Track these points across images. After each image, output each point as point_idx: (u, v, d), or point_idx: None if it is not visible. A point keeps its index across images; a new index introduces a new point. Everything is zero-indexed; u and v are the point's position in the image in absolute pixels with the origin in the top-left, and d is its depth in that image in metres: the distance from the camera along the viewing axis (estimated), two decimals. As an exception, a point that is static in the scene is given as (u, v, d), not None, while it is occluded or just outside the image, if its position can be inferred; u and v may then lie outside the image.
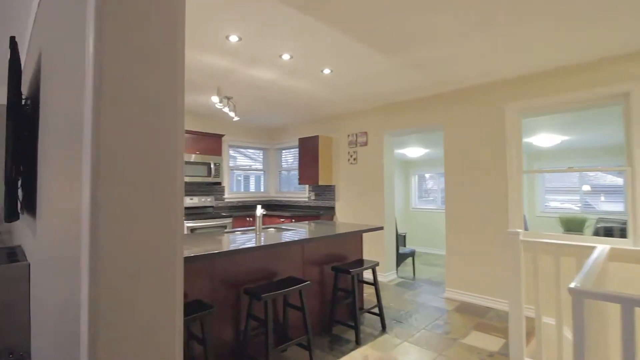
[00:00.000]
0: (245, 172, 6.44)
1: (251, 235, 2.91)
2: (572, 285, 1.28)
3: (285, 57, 3.04)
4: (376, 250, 4.83)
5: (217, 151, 5.48)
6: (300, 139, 5.64)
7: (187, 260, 1.96)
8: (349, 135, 5.26)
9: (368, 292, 4.15)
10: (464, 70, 3.38)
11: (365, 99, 4.54)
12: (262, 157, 6.68)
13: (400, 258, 5.03)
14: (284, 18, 2.37)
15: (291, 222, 5.23)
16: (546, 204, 6.66)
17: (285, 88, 4.05)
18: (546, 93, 3.38)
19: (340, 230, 3.17)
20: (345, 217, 5.29)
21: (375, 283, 3.16)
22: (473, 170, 3.88)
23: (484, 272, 3.76)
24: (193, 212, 5.27)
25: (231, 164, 6.12)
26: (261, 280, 2.61)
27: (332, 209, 5.49)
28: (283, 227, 3.49)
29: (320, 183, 5.34)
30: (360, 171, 5.10)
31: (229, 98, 4.38)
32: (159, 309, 0.91)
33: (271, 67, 3.31)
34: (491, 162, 3.73)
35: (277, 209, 6.26)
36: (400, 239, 6.23)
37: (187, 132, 5.12)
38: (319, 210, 5.64)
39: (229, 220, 5.17)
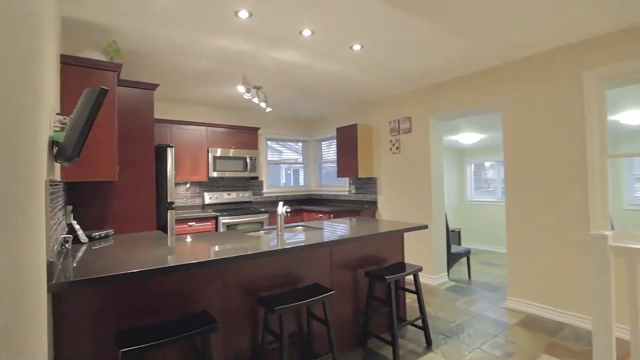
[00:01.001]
0: (284, 165, 6.23)
1: (275, 235, 2.63)
2: None
3: (306, 33, 2.68)
4: (423, 249, 4.32)
5: (253, 145, 5.32)
6: (338, 129, 5.26)
7: (192, 266, 1.72)
8: (390, 122, 4.76)
9: (413, 298, 3.69)
10: (527, 32, 2.73)
11: (406, 79, 4.01)
12: (301, 149, 6.42)
13: (453, 258, 4.45)
14: (296, -17, 2.01)
15: (329, 218, 4.90)
16: (636, 194, 5.53)
17: (313, 72, 3.70)
18: (637, 55, 2.61)
19: (376, 229, 2.76)
20: (389, 212, 4.83)
21: (417, 291, 2.71)
22: (540, 156, 3.19)
23: (555, 278, 3.09)
24: (230, 208, 5.18)
25: (269, 157, 5.95)
26: (282, 287, 2.31)
27: (374, 203, 5.05)
28: (313, 225, 3.17)
29: (360, 175, 4.93)
30: (404, 161, 4.59)
31: (258, 88, 4.14)
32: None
33: (292, 46, 2.97)
34: (564, 144, 3.03)
35: (317, 204, 5.97)
36: (454, 236, 5.60)
37: (221, 126, 5.01)
38: (361, 205, 5.24)
39: (265, 216, 4.99)
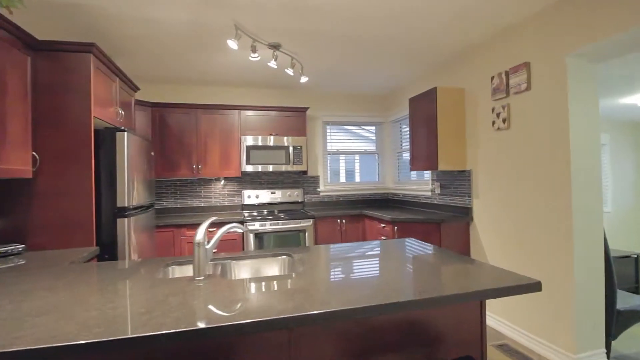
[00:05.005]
0: (350, 156, 4.84)
1: (205, 282, 1.40)
2: None
3: None
4: (551, 299, 2.37)
5: (300, 130, 4.14)
6: (410, 100, 3.59)
7: None
8: (492, 79, 2.86)
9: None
10: None
11: (515, -13, 2.14)
12: (374, 134, 4.91)
13: (624, 319, 2.34)
14: None
15: (393, 231, 3.34)
16: None
17: (366, 8, 2.25)
18: None
19: (429, 288, 1.22)
20: (490, 225, 2.95)
21: None
22: None
23: None
24: (267, 209, 4.16)
25: (330, 146, 4.68)
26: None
27: (467, 211, 3.22)
28: (316, 253, 1.78)
29: (442, 168, 3.19)
30: (516, 143, 2.67)
31: (275, 46, 2.93)
32: None
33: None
34: None
35: (388, 208, 4.39)
36: (626, 273, 3.27)
37: (257, 108, 4.00)
38: (447, 212, 3.47)
39: (308, 222, 3.77)
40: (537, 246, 2.49)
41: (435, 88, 3.16)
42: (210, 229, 3.53)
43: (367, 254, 1.77)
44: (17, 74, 1.96)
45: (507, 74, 2.70)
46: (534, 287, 1.26)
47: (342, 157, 4.78)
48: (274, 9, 2.35)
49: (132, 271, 1.52)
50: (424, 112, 3.35)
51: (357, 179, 4.86)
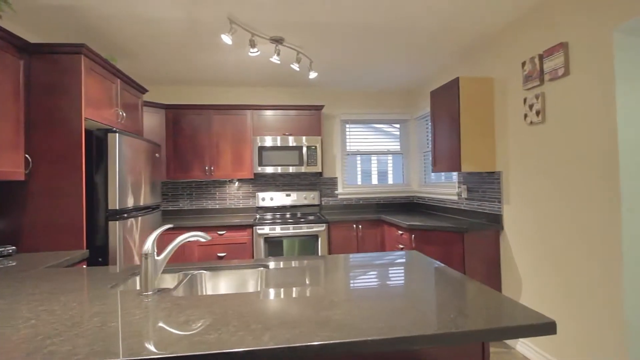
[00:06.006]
0: (370, 155, 4.54)
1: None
2: None
3: None
4: (601, 343, 1.94)
5: (315, 129, 3.94)
6: (432, 93, 3.24)
7: None
8: (523, 65, 2.45)
9: None
10: None
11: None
12: (398, 133, 4.57)
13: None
14: None
15: (410, 239, 3.02)
16: None
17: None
18: None
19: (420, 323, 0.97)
20: (521, 236, 2.54)
21: None
22: None
23: None
24: (281, 212, 3.99)
25: (349, 146, 4.42)
26: None
27: (497, 218, 2.81)
28: (275, 266, 1.57)
29: (465, 169, 2.81)
30: (552, 138, 2.25)
31: (277, 40, 2.76)
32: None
33: None
34: None
35: (420, 211, 4.04)
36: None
37: (269, 107, 3.85)
38: (474, 218, 3.07)
39: (321, 227, 3.54)
40: (576, 267, 2.06)
41: (458, 79, 2.80)
42: (219, 232, 3.45)
43: (350, 273, 1.52)
44: (9, 78, 1.96)
45: (540, 57, 2.29)
46: (546, 328, 0.94)
47: (362, 158, 4.50)
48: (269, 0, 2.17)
49: (89, 279, 1.41)
50: (446, 106, 2.99)
51: (378, 181, 4.54)
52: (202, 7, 2.27)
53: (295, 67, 2.95)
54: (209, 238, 1.42)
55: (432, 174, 4.04)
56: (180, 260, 3.41)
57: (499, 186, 2.79)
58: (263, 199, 4.07)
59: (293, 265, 1.62)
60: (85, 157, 2.18)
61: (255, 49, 2.63)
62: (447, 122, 2.99)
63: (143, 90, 3.09)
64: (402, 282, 1.33)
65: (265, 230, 3.46)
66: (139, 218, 2.55)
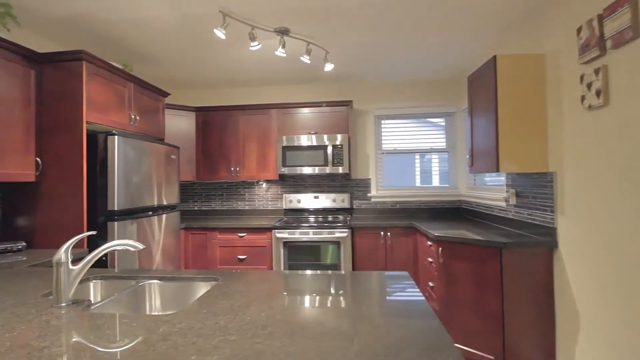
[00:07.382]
0: (410, 154, 4.05)
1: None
2: None
3: None
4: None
5: (342, 127, 3.64)
6: (469, 78, 2.71)
7: None
8: (579, 31, 1.84)
9: None
10: None
11: None
12: (444, 129, 4.00)
13: None
14: None
15: (437, 253, 2.55)
16: None
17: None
18: None
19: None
20: (584, 257, 1.92)
21: None
22: None
23: None
24: (308, 215, 3.76)
25: (385, 145, 4.01)
26: None
27: (550, 231, 2.20)
28: (227, 280, 1.35)
29: (504, 169, 2.26)
30: (618, 126, 1.64)
31: (282, 32, 2.56)
32: None
33: None
34: None
35: (467, 219, 3.48)
36: None
37: (293, 105, 3.67)
38: (522, 229, 2.47)
39: (344, 233, 3.24)
40: (653, 303, 1.44)
41: (494, 57, 2.26)
42: (240, 234, 3.39)
43: (305, 300, 1.24)
44: (20, 86, 2.11)
45: (600, 18, 1.69)
46: None
47: (403, 157, 4.04)
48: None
49: (33, 284, 1.39)
50: (483, 93, 2.46)
51: (421, 182, 4.03)
52: (193, 3, 2.18)
53: (305, 59, 2.72)
54: (141, 247, 1.28)
55: (485, 175, 3.42)
56: (204, 261, 3.44)
57: (551, 191, 2.18)
58: (290, 201, 3.91)
59: (244, 280, 1.40)
60: (87, 159, 2.27)
61: (256, 43, 2.47)
62: (483, 112, 2.45)
63: (164, 94, 3.16)
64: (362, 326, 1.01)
65: (285, 234, 3.29)
66: (147, 219, 2.59)
